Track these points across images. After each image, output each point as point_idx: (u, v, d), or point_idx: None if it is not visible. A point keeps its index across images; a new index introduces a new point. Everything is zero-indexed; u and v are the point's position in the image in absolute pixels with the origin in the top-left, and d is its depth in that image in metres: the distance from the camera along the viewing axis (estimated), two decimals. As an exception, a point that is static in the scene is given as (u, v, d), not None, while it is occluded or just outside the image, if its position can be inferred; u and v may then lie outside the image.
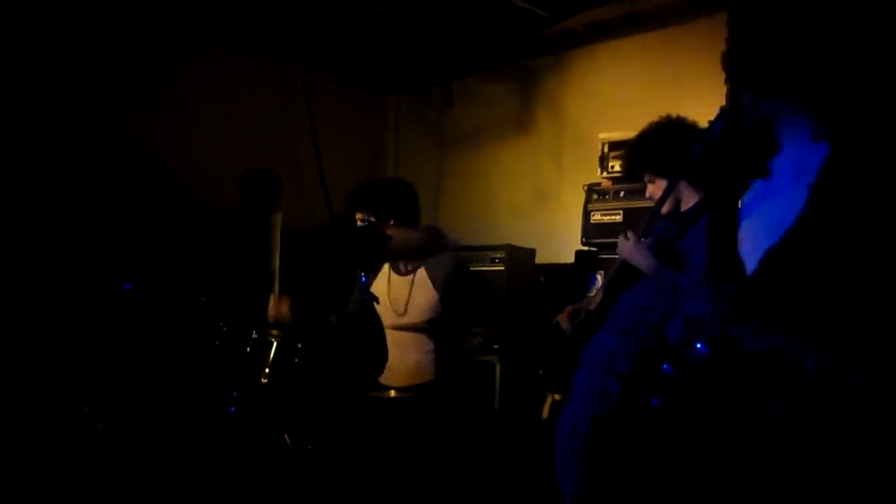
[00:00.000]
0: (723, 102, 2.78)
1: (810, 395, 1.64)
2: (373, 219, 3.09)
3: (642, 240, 2.54)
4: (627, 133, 3.07)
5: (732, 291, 1.85)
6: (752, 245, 2.10)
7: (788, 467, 1.76)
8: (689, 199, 2.62)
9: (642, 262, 2.50)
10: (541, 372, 3.47)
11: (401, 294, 3.21)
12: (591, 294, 3.33)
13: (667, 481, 2.16)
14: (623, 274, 2.59)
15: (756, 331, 1.75)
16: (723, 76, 2.83)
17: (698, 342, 1.82)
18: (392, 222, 3.11)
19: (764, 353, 1.68)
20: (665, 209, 2.61)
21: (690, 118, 2.66)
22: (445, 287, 3.17)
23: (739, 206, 2.48)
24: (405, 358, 3.18)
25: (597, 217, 3.93)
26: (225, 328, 2.99)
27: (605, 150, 4.02)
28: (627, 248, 2.55)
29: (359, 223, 3.08)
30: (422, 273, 3.21)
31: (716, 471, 1.95)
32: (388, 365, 3.13)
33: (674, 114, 2.68)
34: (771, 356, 1.68)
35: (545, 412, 3.31)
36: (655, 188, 2.64)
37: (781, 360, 1.67)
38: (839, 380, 1.62)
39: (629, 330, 2.50)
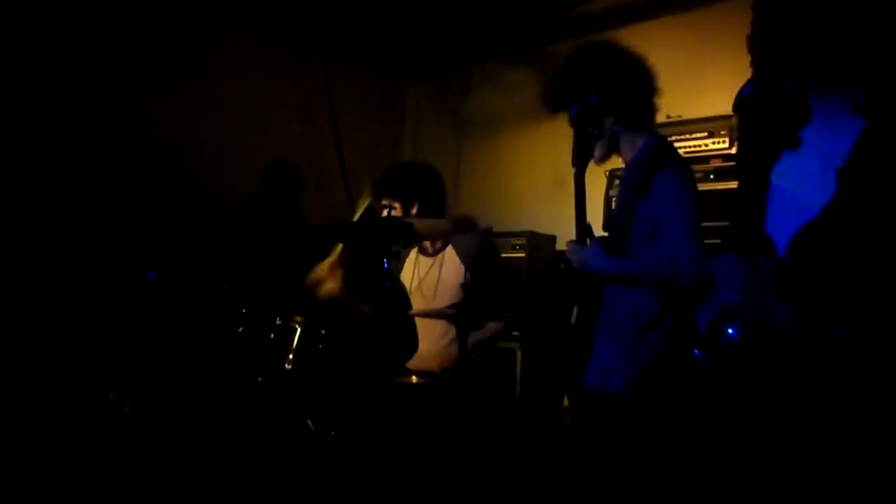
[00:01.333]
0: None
1: (842, 375, 1.63)
2: (397, 205, 3.07)
3: (587, 242, 2.18)
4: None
5: (766, 277, 1.83)
6: (778, 225, 2.07)
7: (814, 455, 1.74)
8: (631, 142, 2.24)
9: (594, 266, 2.14)
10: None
11: (430, 276, 3.19)
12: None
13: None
14: (589, 281, 2.24)
15: (790, 313, 1.73)
16: (747, 60, 2.79)
17: (730, 327, 1.80)
18: (417, 207, 3.10)
19: (798, 335, 1.66)
20: (598, 155, 2.24)
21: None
22: (475, 261, 3.08)
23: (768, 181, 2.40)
24: (429, 343, 3.19)
25: (618, 203, 3.89)
26: (248, 315, 3.01)
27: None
28: (575, 259, 2.18)
29: (383, 210, 3.07)
30: (450, 251, 3.17)
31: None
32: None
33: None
34: (805, 338, 1.66)
35: (566, 400, 3.28)
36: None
37: (814, 342, 1.65)
38: (870, 362, 1.60)
39: (623, 341, 2.20)
